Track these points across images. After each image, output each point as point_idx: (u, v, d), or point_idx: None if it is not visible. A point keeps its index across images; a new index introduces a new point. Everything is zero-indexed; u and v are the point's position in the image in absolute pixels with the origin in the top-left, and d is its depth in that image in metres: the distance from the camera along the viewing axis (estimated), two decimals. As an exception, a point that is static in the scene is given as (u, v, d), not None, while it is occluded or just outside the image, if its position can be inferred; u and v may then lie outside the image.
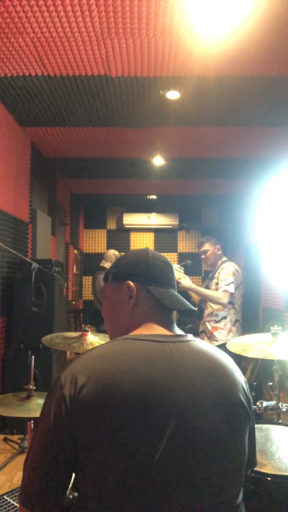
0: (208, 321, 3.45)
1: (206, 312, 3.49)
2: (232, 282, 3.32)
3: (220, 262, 3.54)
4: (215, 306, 3.38)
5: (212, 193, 7.34)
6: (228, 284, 3.31)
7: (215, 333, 3.38)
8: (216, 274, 3.47)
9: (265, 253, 6.04)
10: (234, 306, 3.38)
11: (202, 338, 3.43)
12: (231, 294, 3.30)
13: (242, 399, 0.94)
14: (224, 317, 3.37)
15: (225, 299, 3.29)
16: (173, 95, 3.48)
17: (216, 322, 3.40)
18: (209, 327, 3.43)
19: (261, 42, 2.73)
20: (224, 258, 3.57)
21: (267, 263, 5.95)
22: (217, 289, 3.37)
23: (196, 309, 1.12)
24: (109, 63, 3.02)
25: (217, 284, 3.41)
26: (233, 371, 0.98)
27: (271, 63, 2.97)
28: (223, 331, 3.36)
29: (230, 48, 2.80)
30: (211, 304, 3.41)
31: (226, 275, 3.36)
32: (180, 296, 1.10)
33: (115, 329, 1.10)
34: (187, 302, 1.09)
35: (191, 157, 5.25)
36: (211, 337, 3.40)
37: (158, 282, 1.07)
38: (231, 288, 3.30)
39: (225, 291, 3.30)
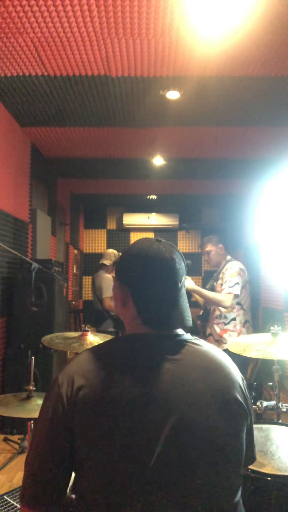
0: (217, 324, 3.34)
1: (214, 314, 3.38)
2: (237, 283, 3.22)
3: (224, 261, 3.44)
4: (223, 308, 3.28)
5: (212, 193, 7.34)
6: (233, 286, 3.21)
7: (225, 336, 3.26)
8: (221, 275, 3.38)
9: (265, 253, 6.04)
10: (243, 307, 3.28)
11: (209, 341, 3.26)
12: (236, 296, 3.21)
13: (239, 397, 0.94)
14: (233, 319, 3.27)
15: (228, 302, 3.18)
16: (173, 95, 3.48)
17: (225, 324, 3.29)
18: (218, 329, 3.32)
19: (261, 42, 2.73)
20: (229, 257, 3.47)
21: (267, 263, 5.95)
22: (222, 290, 3.26)
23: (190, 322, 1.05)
24: (109, 63, 3.02)
25: (222, 285, 3.31)
26: (230, 370, 0.98)
27: (271, 63, 2.97)
28: (233, 333, 3.25)
29: (230, 48, 2.80)
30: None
31: (230, 276, 3.26)
32: (170, 311, 1.00)
33: (124, 323, 1.08)
34: (180, 316, 1.00)
35: (191, 157, 5.25)
36: (219, 340, 3.29)
37: (151, 292, 0.99)
38: (235, 290, 3.20)
39: (229, 293, 3.19)
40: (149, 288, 0.99)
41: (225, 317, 3.29)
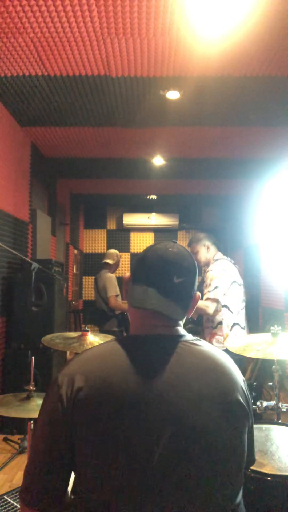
0: (206, 328, 3.20)
1: (204, 318, 3.24)
2: (217, 286, 3.02)
3: (212, 261, 3.23)
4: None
5: (212, 193, 7.33)
6: (213, 290, 3.02)
7: (213, 340, 3.08)
8: (205, 278, 3.20)
9: (265, 253, 6.04)
10: (230, 309, 3.08)
11: None
12: (218, 300, 3.02)
13: (241, 399, 0.94)
14: (220, 322, 3.08)
15: (209, 308, 3.00)
16: (173, 95, 3.47)
17: (213, 328, 3.11)
18: (207, 334, 3.17)
19: (261, 42, 2.73)
20: (218, 256, 3.26)
21: (267, 263, 5.94)
22: (206, 292, 3.08)
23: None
24: (109, 63, 3.02)
25: (206, 287, 3.14)
26: (232, 371, 0.98)
27: (271, 63, 2.97)
28: (220, 337, 3.07)
29: (230, 48, 2.80)
30: None
31: (210, 279, 3.07)
32: (160, 297, 0.97)
33: (130, 322, 1.08)
34: (164, 304, 0.97)
35: (191, 157, 5.25)
36: None
37: (143, 280, 0.99)
38: (216, 294, 3.01)
39: (208, 298, 3.01)
40: (142, 273, 1.01)
41: (212, 321, 3.12)
